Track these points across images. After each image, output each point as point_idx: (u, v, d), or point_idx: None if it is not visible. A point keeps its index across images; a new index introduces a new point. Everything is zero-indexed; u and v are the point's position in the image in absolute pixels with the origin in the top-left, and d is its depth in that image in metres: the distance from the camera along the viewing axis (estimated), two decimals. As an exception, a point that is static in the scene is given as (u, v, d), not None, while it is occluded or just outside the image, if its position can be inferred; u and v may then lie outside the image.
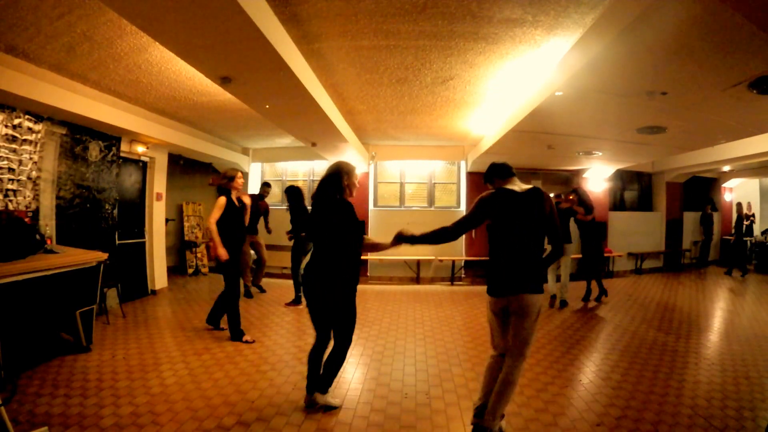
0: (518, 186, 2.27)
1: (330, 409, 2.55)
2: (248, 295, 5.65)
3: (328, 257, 2.45)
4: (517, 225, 2.15)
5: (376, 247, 2.72)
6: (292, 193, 5.26)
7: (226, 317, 3.91)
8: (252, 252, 5.90)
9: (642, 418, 2.48)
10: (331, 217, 2.42)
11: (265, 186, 6.18)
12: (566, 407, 2.62)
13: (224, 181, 3.85)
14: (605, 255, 7.93)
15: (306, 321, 4.60)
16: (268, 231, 6.07)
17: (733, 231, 8.98)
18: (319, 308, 2.52)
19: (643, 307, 5.42)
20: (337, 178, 2.48)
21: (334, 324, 2.52)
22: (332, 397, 2.60)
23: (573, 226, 5.79)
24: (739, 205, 8.86)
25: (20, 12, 2.75)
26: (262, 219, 5.99)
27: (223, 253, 3.68)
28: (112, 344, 3.69)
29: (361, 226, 2.47)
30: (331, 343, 2.55)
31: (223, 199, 3.76)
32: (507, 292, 2.14)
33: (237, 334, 3.80)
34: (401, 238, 2.39)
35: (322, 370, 2.56)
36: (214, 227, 3.70)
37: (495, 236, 2.21)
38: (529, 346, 2.16)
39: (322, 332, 2.58)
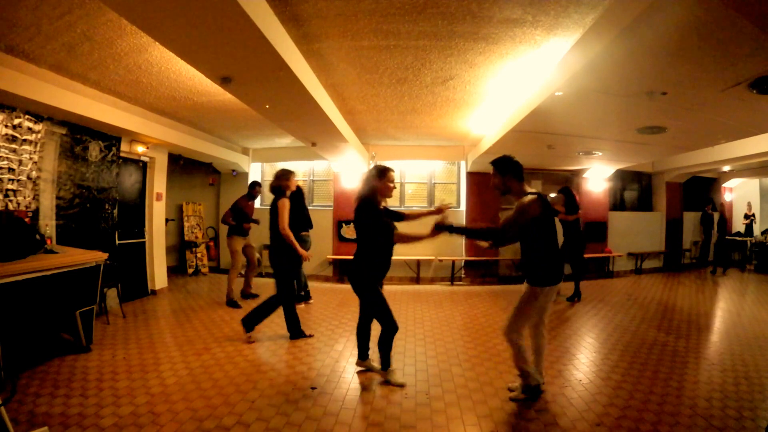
0: (533, 188, 2.59)
1: (390, 384, 2.90)
2: (234, 305, 5.22)
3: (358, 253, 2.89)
4: (553, 223, 2.63)
5: (412, 239, 2.74)
6: (295, 192, 5.25)
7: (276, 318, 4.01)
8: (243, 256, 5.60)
9: (642, 418, 2.48)
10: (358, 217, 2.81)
11: (257, 186, 5.67)
12: (566, 407, 2.62)
13: (281, 181, 3.89)
14: (605, 255, 7.96)
15: (306, 321, 4.61)
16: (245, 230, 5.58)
17: (716, 230, 9.05)
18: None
19: (643, 307, 5.42)
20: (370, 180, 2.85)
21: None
22: (392, 375, 2.95)
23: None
24: (721, 205, 8.89)
25: (20, 12, 2.75)
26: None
27: (305, 253, 3.89)
28: (112, 344, 3.69)
29: (384, 224, 2.75)
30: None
31: (287, 201, 3.84)
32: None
33: (297, 333, 3.88)
34: (441, 227, 2.55)
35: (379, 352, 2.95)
36: (289, 232, 3.76)
37: (541, 234, 2.53)
38: None
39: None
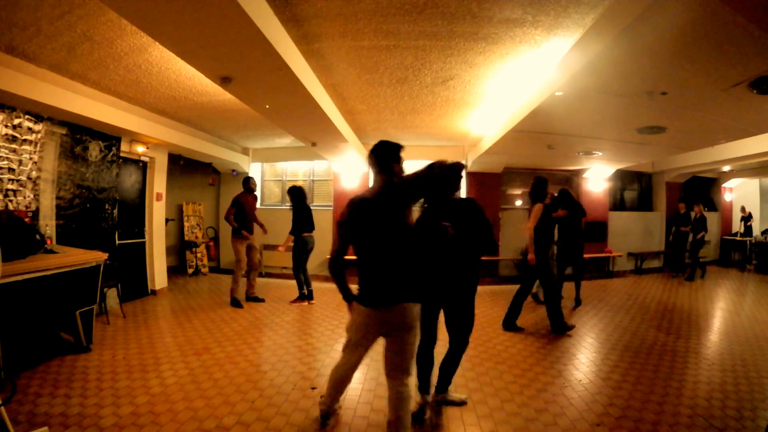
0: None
1: (453, 404, 2.67)
2: (237, 304, 5.20)
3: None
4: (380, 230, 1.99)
5: None
6: (296, 192, 5.28)
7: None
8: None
9: (642, 418, 2.48)
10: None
11: (250, 180, 5.48)
12: (566, 407, 2.62)
13: (537, 190, 4.20)
14: (605, 255, 7.95)
15: (306, 321, 4.61)
16: (264, 230, 5.67)
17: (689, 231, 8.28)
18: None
19: (643, 307, 5.42)
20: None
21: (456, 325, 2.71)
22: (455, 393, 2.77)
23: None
24: (700, 204, 8.71)
25: (20, 12, 2.75)
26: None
27: (533, 258, 4.11)
28: (112, 344, 3.69)
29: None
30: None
31: (540, 207, 4.14)
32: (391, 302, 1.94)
33: (561, 328, 4.16)
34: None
35: (440, 372, 2.69)
36: (530, 233, 4.10)
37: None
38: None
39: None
